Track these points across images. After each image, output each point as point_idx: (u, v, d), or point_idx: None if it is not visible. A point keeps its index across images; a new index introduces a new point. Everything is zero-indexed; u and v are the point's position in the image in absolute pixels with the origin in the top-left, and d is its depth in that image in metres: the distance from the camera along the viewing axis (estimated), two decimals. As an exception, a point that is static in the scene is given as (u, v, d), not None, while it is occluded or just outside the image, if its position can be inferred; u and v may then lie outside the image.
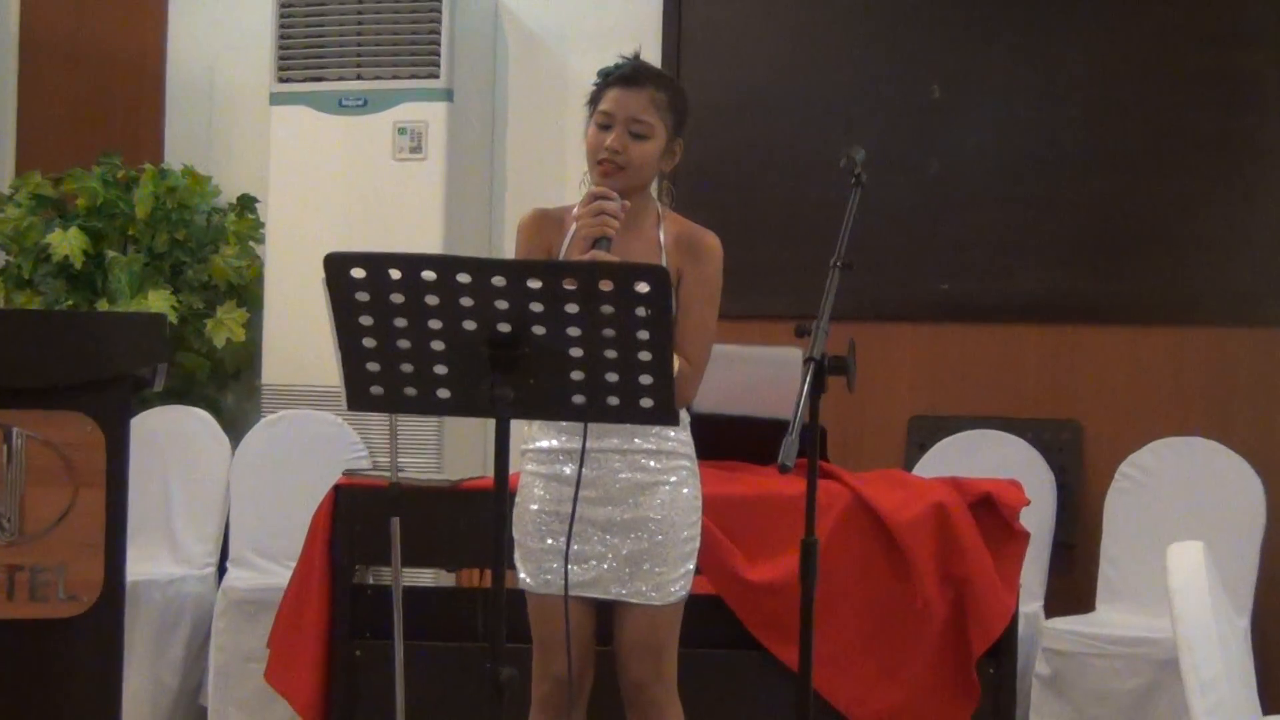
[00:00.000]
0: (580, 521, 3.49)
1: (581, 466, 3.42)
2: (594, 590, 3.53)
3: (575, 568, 3.50)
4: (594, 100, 3.54)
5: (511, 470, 2.93)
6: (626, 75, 3.51)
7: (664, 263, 3.50)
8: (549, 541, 3.50)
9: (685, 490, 3.55)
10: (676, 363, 3.37)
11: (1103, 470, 5.92)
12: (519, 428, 3.49)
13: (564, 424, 3.50)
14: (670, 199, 3.67)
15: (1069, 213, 6.15)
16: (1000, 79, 6.24)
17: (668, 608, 3.54)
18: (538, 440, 3.56)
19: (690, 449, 3.59)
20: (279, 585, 5.11)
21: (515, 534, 3.56)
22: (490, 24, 6.72)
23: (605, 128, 3.48)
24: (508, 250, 6.63)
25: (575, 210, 3.49)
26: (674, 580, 3.53)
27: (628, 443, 3.51)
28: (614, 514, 3.50)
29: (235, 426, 6.61)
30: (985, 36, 6.26)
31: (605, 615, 3.58)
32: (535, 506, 3.53)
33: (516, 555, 3.56)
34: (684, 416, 3.60)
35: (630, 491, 3.50)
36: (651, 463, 3.51)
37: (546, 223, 3.58)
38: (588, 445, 3.48)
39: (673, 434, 3.53)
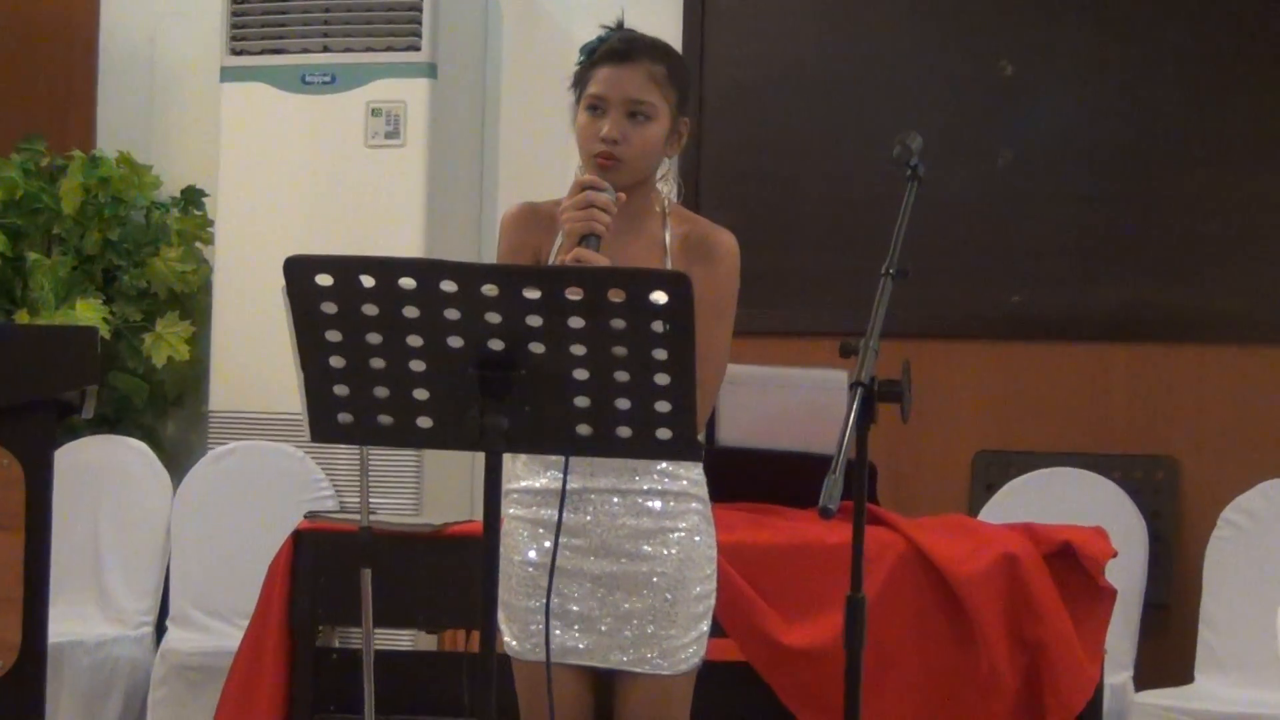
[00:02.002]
0: (573, 576, 3.48)
1: (562, 507, 3.41)
2: (591, 658, 3.52)
3: (569, 632, 3.50)
4: (579, 82, 3.53)
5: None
6: (616, 50, 3.49)
7: (667, 266, 3.49)
8: (536, 600, 3.50)
9: (697, 539, 3.54)
10: None
11: (1203, 516, 5.90)
12: (511, 464, 3.50)
13: (554, 459, 3.49)
14: (679, 191, 3.66)
15: (1164, 212, 6.15)
16: (1083, 54, 6.24)
17: (679, 678, 3.53)
18: (523, 479, 3.55)
19: (703, 489, 3.58)
20: (228, 648, 5.11)
21: (498, 590, 3.55)
22: (481, -13, 6.75)
23: (597, 110, 3.48)
24: (500, 253, 6.64)
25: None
26: (686, 645, 3.53)
27: (627, 482, 3.50)
28: (612, 567, 3.49)
29: (177, 460, 6.62)
30: (1065, 3, 6.27)
31: (606, 687, 3.57)
32: (520, 558, 3.53)
33: (500, 615, 3.55)
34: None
35: (631, 540, 3.49)
36: (656, 505, 3.50)
37: (534, 221, 3.56)
38: (579, 486, 3.47)
39: (682, 471, 3.53)
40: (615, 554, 3.49)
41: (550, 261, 3.50)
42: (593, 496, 3.49)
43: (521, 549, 3.52)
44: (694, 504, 3.54)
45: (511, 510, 3.55)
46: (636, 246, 3.50)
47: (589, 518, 3.49)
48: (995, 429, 6.26)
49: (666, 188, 3.60)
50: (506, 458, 2.98)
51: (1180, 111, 6.15)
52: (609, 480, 3.49)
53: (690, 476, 3.54)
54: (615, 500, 3.49)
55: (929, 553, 4.62)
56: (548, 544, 3.48)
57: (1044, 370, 6.23)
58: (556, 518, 3.45)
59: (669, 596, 3.50)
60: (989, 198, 6.26)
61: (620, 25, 3.59)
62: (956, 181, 6.17)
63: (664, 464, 3.49)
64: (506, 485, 3.56)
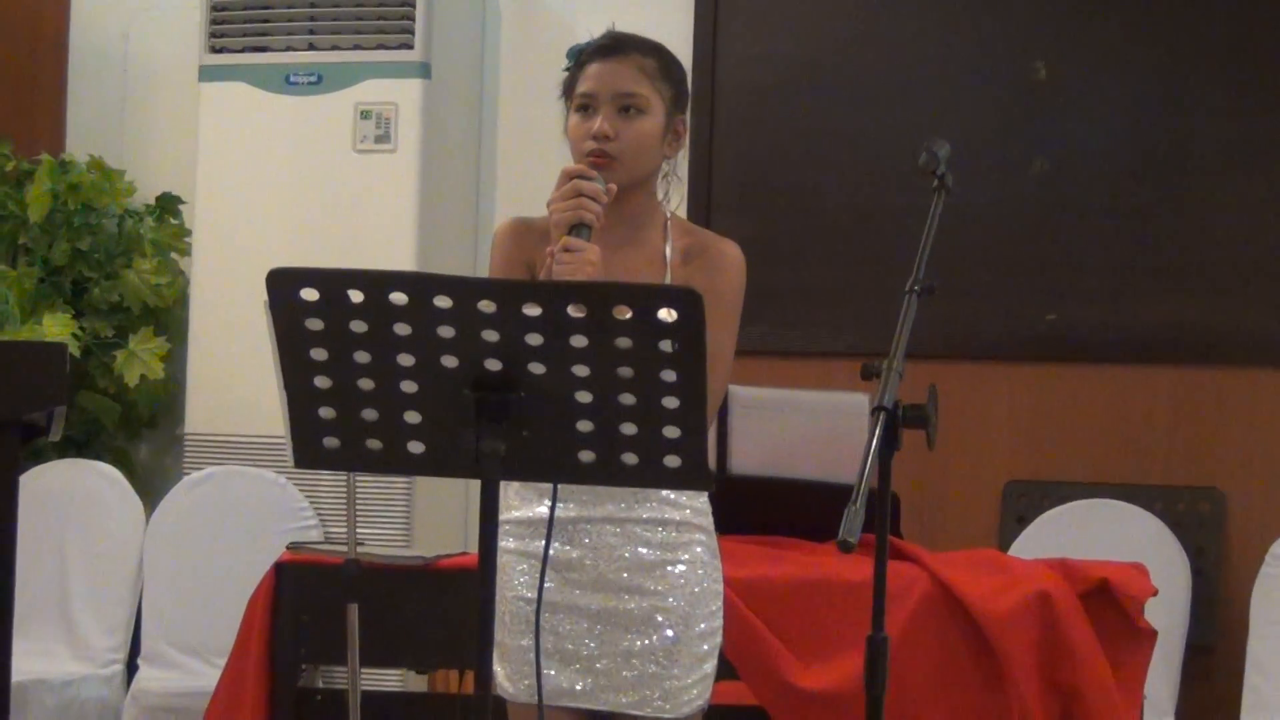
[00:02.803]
0: (569, 612, 3.50)
1: (549, 538, 3.41)
2: (588, 700, 3.53)
3: (565, 671, 3.51)
4: (569, 87, 3.59)
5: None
6: (603, 45, 3.57)
7: (667, 280, 3.52)
8: (530, 639, 3.50)
9: (701, 572, 3.55)
10: None
11: (1250, 551, 5.90)
12: (504, 493, 3.50)
13: (549, 487, 3.50)
14: (670, 188, 3.68)
15: (1210, 224, 6.15)
16: (1122, 54, 6.24)
17: (682, 723, 3.55)
18: (515, 509, 3.56)
19: (708, 519, 3.59)
20: (205, 689, 5.11)
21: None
22: (478, -19, 6.76)
23: (587, 110, 3.52)
24: (498, 267, 6.64)
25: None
26: (689, 687, 3.53)
27: (627, 510, 3.51)
28: (610, 603, 3.50)
29: (151, 486, 6.62)
30: (1102, 0, 6.27)
31: (605, 730, 3.59)
32: (512, 594, 3.54)
33: (494, 655, 3.57)
34: None
35: (631, 574, 3.50)
36: (658, 536, 3.52)
37: (528, 235, 3.59)
38: (575, 515, 3.50)
39: (685, 499, 3.54)
40: (614, 589, 3.50)
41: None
42: (589, 527, 3.51)
43: (515, 584, 3.53)
44: (698, 535, 3.55)
45: (504, 543, 3.55)
46: (635, 258, 3.54)
47: (585, 550, 3.50)
48: (1027, 457, 6.25)
49: (665, 191, 3.63)
50: (500, 486, 2.98)
51: (1227, 116, 6.15)
52: (607, 509, 3.51)
53: (694, 505, 3.55)
54: (613, 531, 3.51)
55: (956, 590, 4.62)
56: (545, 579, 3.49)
57: (1080, 394, 6.23)
58: (554, 549, 3.47)
59: (671, 634, 3.51)
60: (1021, 209, 6.26)
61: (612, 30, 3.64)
62: (987, 191, 6.17)
63: (666, 491, 3.50)
64: (502, 515, 3.57)
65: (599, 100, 3.51)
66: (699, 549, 3.55)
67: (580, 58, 3.58)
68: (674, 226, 3.60)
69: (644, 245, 3.56)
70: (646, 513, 3.51)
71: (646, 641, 3.50)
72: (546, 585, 3.48)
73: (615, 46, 3.55)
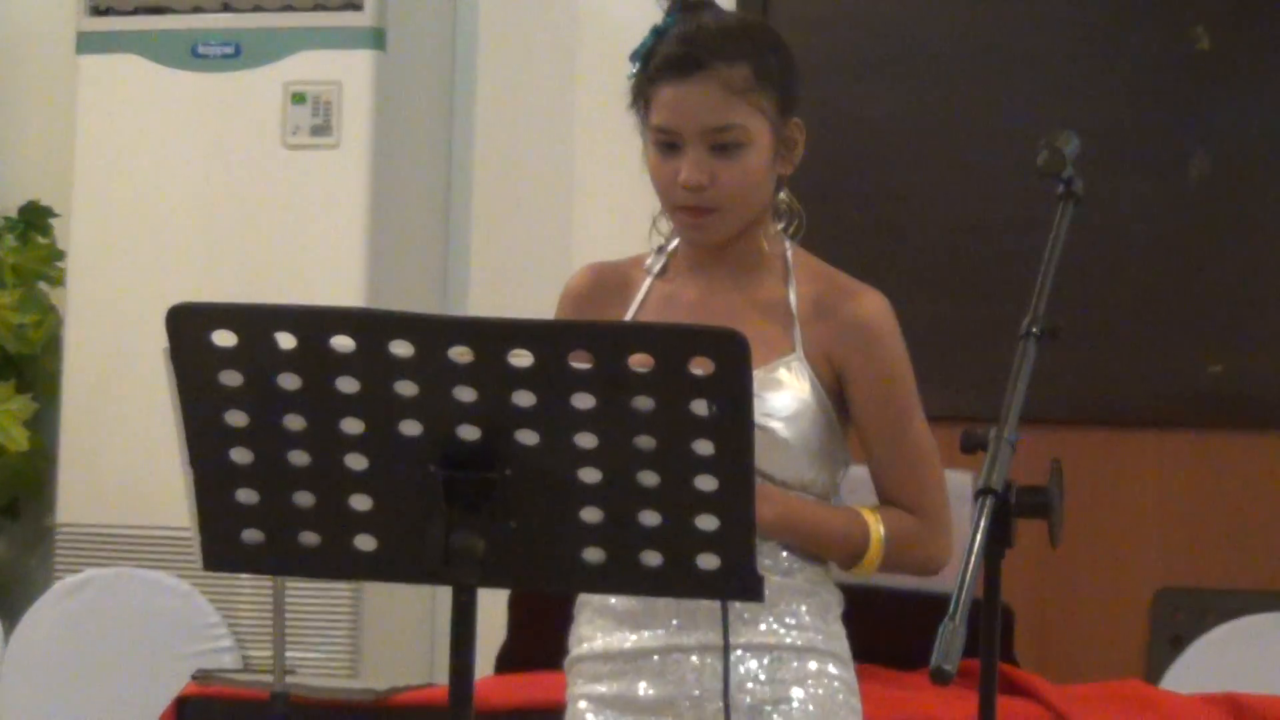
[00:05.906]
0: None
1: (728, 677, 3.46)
2: None
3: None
4: (639, 98, 3.58)
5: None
6: (677, 60, 3.51)
7: (796, 341, 3.56)
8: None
9: (828, 709, 3.58)
10: (885, 524, 3.54)
11: None
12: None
13: (629, 610, 3.55)
14: (798, 223, 3.68)
15: None
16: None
17: None
18: (590, 640, 3.60)
19: (841, 644, 3.63)
20: None
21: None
22: (449, -79, 6.80)
23: (671, 148, 3.53)
24: (478, 305, 6.64)
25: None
26: None
27: (732, 636, 3.52)
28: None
29: (12, 594, 6.63)
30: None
31: None
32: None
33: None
34: (834, 591, 3.64)
35: (739, 714, 3.53)
36: (775, 666, 3.55)
37: (604, 288, 3.64)
38: (662, 644, 3.54)
39: (808, 618, 3.57)
40: None
41: None
42: (681, 659, 3.55)
43: None
44: (826, 663, 3.60)
45: (578, 685, 3.61)
46: (744, 307, 3.57)
47: (679, 686, 3.54)
48: (1184, 557, 6.25)
49: (791, 221, 3.65)
50: (488, 597, 2.98)
51: None
52: (702, 634, 3.53)
53: (821, 626, 3.60)
54: (714, 662, 3.53)
55: (1090, 735, 4.64)
56: None
57: (1255, 472, 6.23)
58: (641, 690, 3.54)
59: None
60: (1176, 223, 6.27)
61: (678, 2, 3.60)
62: (1130, 201, 6.19)
63: (783, 606, 3.54)
64: (572, 653, 3.64)
65: (682, 137, 3.50)
66: (834, 684, 3.59)
67: (649, 68, 3.55)
68: (798, 266, 3.63)
69: (756, 289, 3.62)
70: (758, 636, 3.54)
71: None
72: None
73: (691, 59, 3.50)
